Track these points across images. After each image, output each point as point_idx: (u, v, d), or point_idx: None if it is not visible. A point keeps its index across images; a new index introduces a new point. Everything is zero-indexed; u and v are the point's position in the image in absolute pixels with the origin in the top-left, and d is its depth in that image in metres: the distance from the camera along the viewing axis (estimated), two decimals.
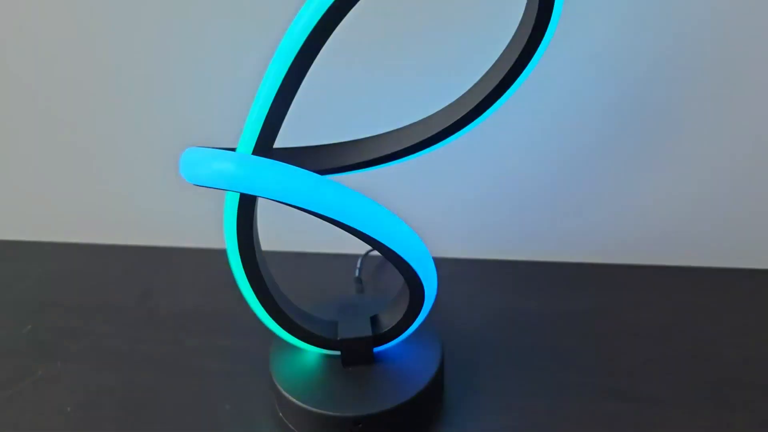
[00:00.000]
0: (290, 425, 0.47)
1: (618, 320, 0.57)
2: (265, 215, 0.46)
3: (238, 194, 0.39)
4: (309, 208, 0.37)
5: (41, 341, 0.57)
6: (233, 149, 0.40)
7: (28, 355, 0.55)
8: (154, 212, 0.69)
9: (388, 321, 0.47)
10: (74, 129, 0.66)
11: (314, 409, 0.44)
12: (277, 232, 0.54)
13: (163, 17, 0.59)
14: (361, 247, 0.50)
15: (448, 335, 0.53)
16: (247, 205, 0.40)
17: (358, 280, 0.60)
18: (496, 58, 0.41)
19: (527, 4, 0.39)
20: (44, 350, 0.56)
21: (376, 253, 0.42)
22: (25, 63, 0.63)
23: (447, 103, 0.43)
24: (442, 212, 0.66)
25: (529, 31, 0.38)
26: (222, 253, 0.42)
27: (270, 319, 0.45)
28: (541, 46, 0.38)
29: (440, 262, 0.47)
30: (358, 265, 0.61)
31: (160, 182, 0.67)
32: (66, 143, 0.67)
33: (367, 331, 0.46)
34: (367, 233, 0.38)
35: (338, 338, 0.46)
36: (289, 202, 0.36)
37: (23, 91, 0.65)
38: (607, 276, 0.62)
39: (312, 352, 0.48)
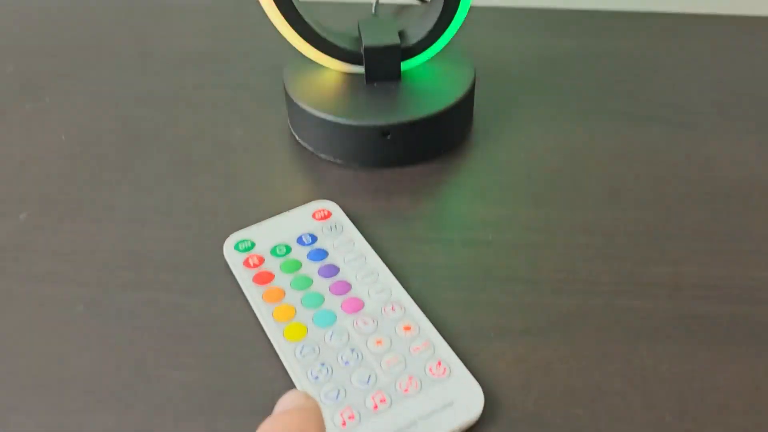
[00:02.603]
0: (307, 146, 0.43)
1: (653, 59, 0.52)
2: None
3: None
4: None
5: (26, 81, 0.51)
6: None
7: (12, 92, 0.50)
8: None
9: (416, 32, 0.42)
10: None
11: (339, 120, 0.40)
12: None
13: None
14: None
15: (479, 68, 0.48)
16: None
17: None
18: None
19: None
20: (30, 88, 0.51)
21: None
22: None
23: None
24: None
25: None
26: None
27: (289, 28, 0.40)
28: None
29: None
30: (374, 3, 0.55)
31: None
32: None
33: (394, 39, 0.42)
34: None
35: (362, 47, 0.41)
36: None
37: None
38: (644, 22, 0.57)
39: (331, 72, 0.44)
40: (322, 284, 0.34)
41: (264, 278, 0.34)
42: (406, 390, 0.29)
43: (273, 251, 0.35)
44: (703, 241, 0.37)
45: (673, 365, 0.31)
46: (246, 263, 0.35)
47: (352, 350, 0.30)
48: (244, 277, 0.34)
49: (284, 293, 0.33)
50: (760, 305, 0.34)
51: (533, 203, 0.40)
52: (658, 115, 0.47)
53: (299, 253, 0.35)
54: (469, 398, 0.29)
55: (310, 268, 0.35)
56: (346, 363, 0.30)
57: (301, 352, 0.30)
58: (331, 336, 0.31)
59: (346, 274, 0.34)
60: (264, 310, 0.32)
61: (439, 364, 0.30)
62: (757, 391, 0.30)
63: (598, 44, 0.54)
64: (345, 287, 0.33)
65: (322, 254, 0.35)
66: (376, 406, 0.28)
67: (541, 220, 0.39)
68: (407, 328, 0.31)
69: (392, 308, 0.32)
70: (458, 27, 0.42)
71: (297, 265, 0.35)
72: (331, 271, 0.34)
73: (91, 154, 0.44)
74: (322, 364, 0.30)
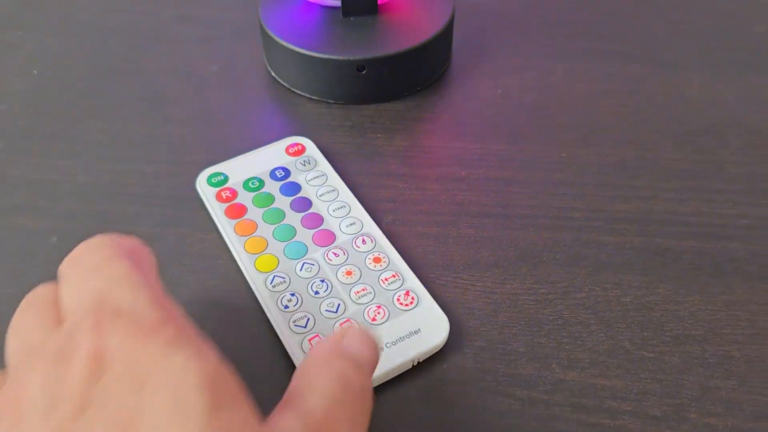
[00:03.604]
0: (283, 82, 0.43)
1: None
2: None
3: None
4: None
5: None
6: None
7: None
8: None
9: None
10: None
11: (313, 54, 0.40)
12: None
13: None
14: None
15: (458, 5, 0.47)
16: None
17: None
18: None
19: None
20: (1, 22, 0.50)
21: None
22: None
23: None
24: None
25: None
26: None
27: None
28: None
29: None
30: None
31: None
32: None
33: None
34: None
35: None
36: None
37: None
38: None
39: (307, 6, 0.43)
40: (294, 218, 0.34)
41: (236, 212, 0.34)
42: (373, 319, 0.29)
43: (246, 185, 0.36)
44: (675, 179, 0.38)
45: (636, 297, 0.32)
46: (219, 197, 0.35)
47: (322, 281, 0.31)
48: (216, 211, 0.34)
49: (256, 226, 0.33)
50: (723, 241, 0.34)
51: (508, 140, 0.40)
52: (636, 54, 0.46)
53: (272, 187, 0.35)
54: (435, 327, 0.29)
55: (283, 202, 0.35)
56: (316, 293, 0.30)
57: (271, 282, 0.31)
58: (302, 267, 0.31)
59: (318, 207, 0.34)
60: (236, 242, 0.33)
61: (407, 294, 0.30)
62: (714, 322, 0.31)
63: None
64: (317, 221, 0.34)
65: (294, 188, 0.35)
66: None
67: (515, 157, 0.39)
68: (377, 260, 0.32)
69: (363, 241, 0.33)
70: None
71: (270, 199, 0.35)
72: (303, 204, 0.35)
73: (64, 88, 0.44)
74: (292, 294, 0.30)
